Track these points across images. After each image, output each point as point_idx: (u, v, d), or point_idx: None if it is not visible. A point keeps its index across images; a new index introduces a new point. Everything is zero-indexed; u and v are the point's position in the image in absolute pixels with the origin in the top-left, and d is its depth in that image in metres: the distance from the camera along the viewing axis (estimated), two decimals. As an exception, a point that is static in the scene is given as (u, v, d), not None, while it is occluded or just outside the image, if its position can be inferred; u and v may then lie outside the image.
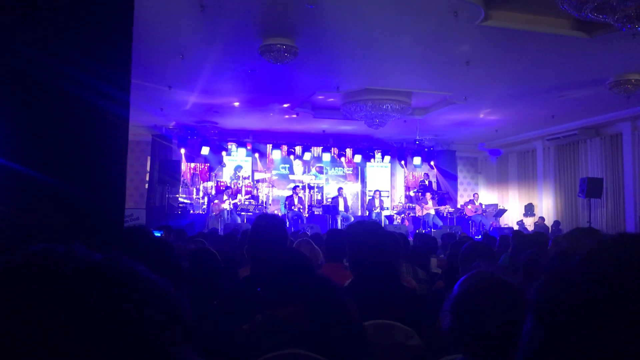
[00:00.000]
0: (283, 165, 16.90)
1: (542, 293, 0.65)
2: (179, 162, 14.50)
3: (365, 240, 2.75)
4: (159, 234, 6.15)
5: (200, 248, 2.33)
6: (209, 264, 2.11)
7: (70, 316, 0.53)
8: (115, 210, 1.93)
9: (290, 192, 15.14)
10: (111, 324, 0.54)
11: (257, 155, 16.45)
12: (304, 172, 17.01)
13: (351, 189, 17.45)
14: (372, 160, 17.60)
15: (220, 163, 16.09)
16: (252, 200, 15.02)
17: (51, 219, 1.70)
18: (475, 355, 1.42)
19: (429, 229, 14.66)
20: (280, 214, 14.55)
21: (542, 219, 15.43)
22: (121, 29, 1.81)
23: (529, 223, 15.75)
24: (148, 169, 15.52)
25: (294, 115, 13.70)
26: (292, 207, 14.38)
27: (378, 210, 15.08)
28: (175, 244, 1.61)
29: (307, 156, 16.58)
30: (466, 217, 15.84)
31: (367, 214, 15.50)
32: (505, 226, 15.57)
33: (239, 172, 16.04)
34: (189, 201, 14.98)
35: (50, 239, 0.70)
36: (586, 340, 0.57)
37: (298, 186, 15.22)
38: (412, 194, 17.16)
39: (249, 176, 16.33)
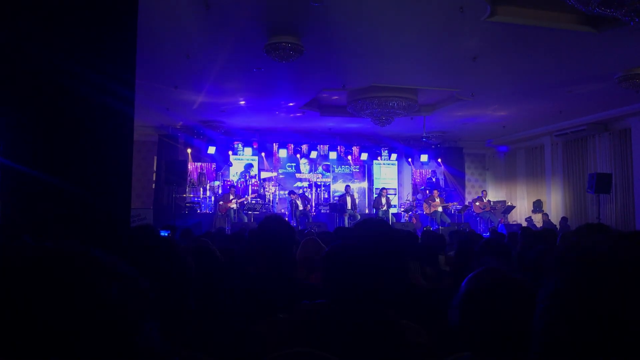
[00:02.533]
0: (289, 164, 16.91)
1: (572, 278, 0.64)
2: (185, 162, 14.54)
3: (373, 237, 2.73)
4: (165, 234, 6.16)
5: (198, 246, 2.33)
6: (206, 263, 2.11)
7: (34, 295, 0.62)
8: (121, 209, 1.92)
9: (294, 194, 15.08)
10: (73, 299, 0.62)
11: (263, 154, 16.46)
12: (310, 171, 17.01)
13: (358, 187, 17.43)
14: (379, 158, 17.59)
15: (227, 162, 16.12)
16: (259, 199, 15.04)
17: (56, 219, 1.69)
18: (483, 352, 1.40)
19: (436, 226, 14.61)
20: (287, 213, 14.58)
21: (546, 215, 15.33)
22: (125, 26, 1.80)
23: (538, 219, 15.65)
24: (155, 168, 15.56)
25: (300, 114, 13.69)
26: (296, 209, 14.31)
27: (385, 208, 15.04)
28: (178, 243, 1.60)
29: (313, 154, 16.58)
30: (474, 214, 15.77)
31: (374, 212, 15.47)
32: (514, 223, 15.48)
33: (250, 170, 16.06)
34: (196, 201, 15.01)
35: (56, 239, 0.75)
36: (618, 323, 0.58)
37: (293, 191, 15.14)
38: (420, 195, 17.12)
39: (255, 175, 16.36)
